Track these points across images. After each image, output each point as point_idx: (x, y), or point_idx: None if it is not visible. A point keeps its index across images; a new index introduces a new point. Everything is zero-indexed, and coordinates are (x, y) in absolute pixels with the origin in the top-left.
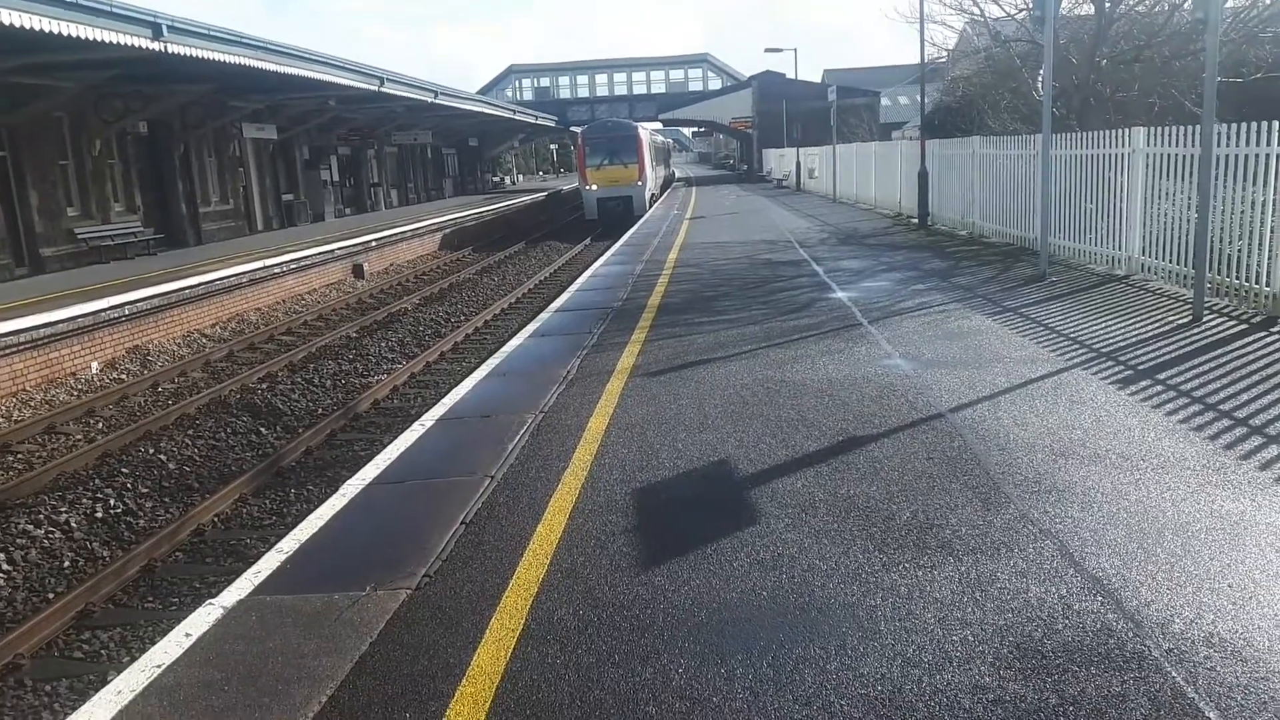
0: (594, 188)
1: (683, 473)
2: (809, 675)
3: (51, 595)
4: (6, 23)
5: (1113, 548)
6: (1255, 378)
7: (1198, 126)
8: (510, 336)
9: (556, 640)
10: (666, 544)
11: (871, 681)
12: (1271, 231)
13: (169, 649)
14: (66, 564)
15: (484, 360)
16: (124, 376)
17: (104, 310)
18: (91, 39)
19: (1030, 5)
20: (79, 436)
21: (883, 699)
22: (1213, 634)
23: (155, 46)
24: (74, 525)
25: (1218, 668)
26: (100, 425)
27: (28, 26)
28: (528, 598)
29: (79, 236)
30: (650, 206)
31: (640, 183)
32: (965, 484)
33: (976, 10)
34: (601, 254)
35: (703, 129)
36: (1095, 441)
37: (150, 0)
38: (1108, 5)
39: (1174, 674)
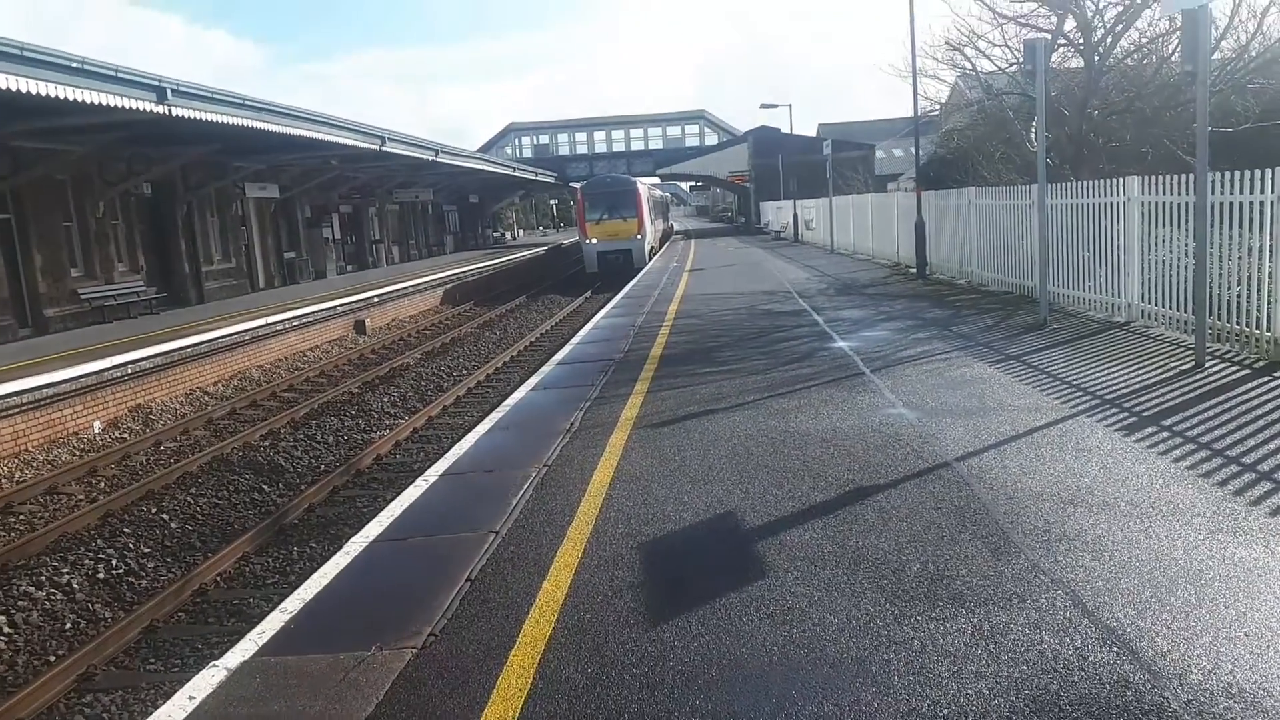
0: (594, 241)
1: (689, 525)
2: None
3: (53, 658)
4: (13, 89)
5: (1126, 597)
6: (1261, 423)
7: (1191, 175)
8: (513, 390)
9: (565, 700)
10: (674, 599)
11: None
12: (1269, 277)
13: (173, 713)
14: (68, 626)
15: (487, 414)
16: (126, 435)
17: (106, 370)
18: (97, 103)
19: (1020, 59)
20: (81, 496)
21: None
22: (1231, 684)
23: (160, 110)
24: (75, 586)
25: (1239, 718)
26: (102, 485)
27: (34, 92)
28: (534, 656)
29: (82, 297)
30: (650, 259)
31: (639, 236)
32: (974, 534)
33: (968, 64)
34: (602, 306)
35: (700, 183)
36: (1104, 489)
37: (151, 64)
38: (1097, 58)
39: None
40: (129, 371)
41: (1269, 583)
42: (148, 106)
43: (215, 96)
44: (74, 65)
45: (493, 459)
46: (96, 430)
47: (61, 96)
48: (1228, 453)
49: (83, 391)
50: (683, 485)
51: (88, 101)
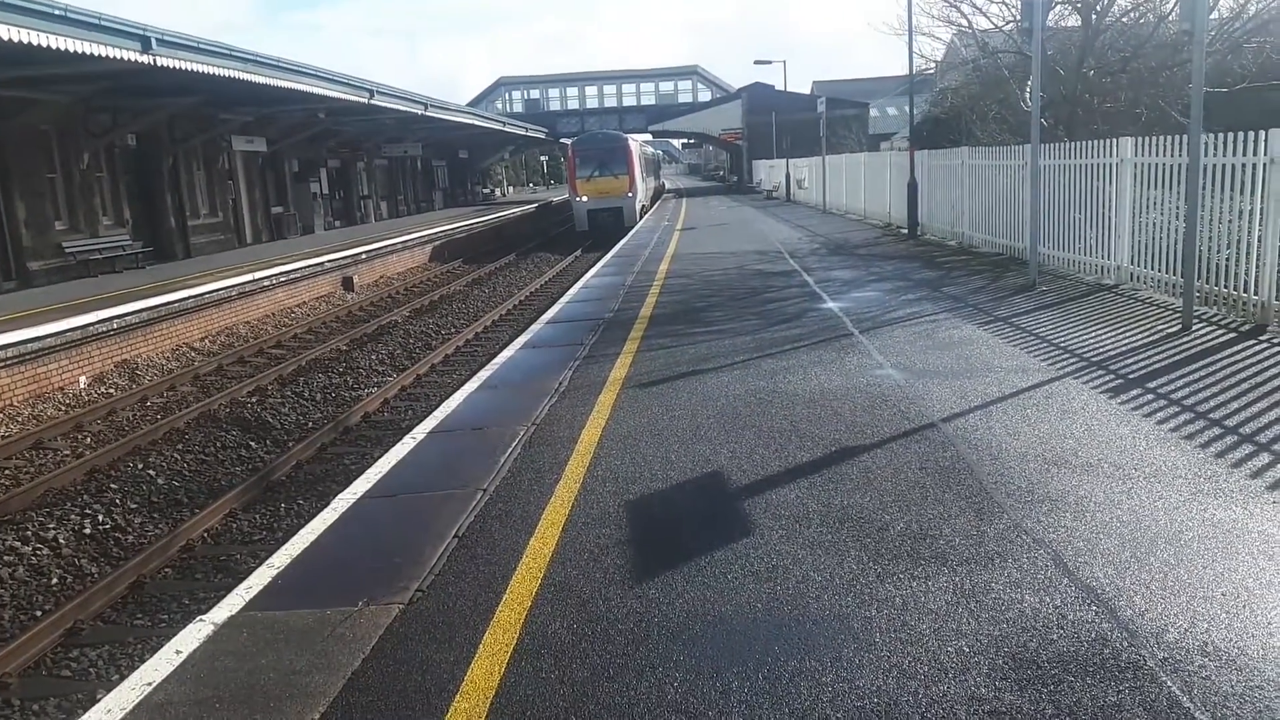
0: (584, 199)
1: (676, 484)
2: (805, 688)
3: (39, 613)
4: None
5: (1106, 557)
6: (1245, 386)
7: (1185, 136)
8: (501, 349)
9: (551, 654)
10: (660, 556)
11: (867, 694)
12: (1259, 240)
13: (159, 667)
14: (55, 581)
15: (475, 372)
16: (112, 391)
17: (92, 324)
18: (81, 52)
19: (1017, 17)
20: (67, 452)
21: (879, 711)
22: (1207, 643)
23: (145, 59)
24: (62, 542)
25: (1213, 676)
26: (88, 440)
27: (16, 40)
28: (521, 612)
29: (67, 250)
30: (641, 218)
31: (630, 194)
32: (958, 494)
33: (964, 22)
34: (592, 265)
35: (693, 141)
36: (1087, 451)
37: (141, 13)
38: (1094, 17)
39: (1169, 683)
40: (115, 326)
41: (1247, 544)
42: (132, 56)
43: (201, 46)
44: (56, 13)
45: (481, 417)
46: (82, 385)
47: (44, 44)
48: (1211, 415)
49: (68, 346)
50: (670, 444)
51: (71, 50)
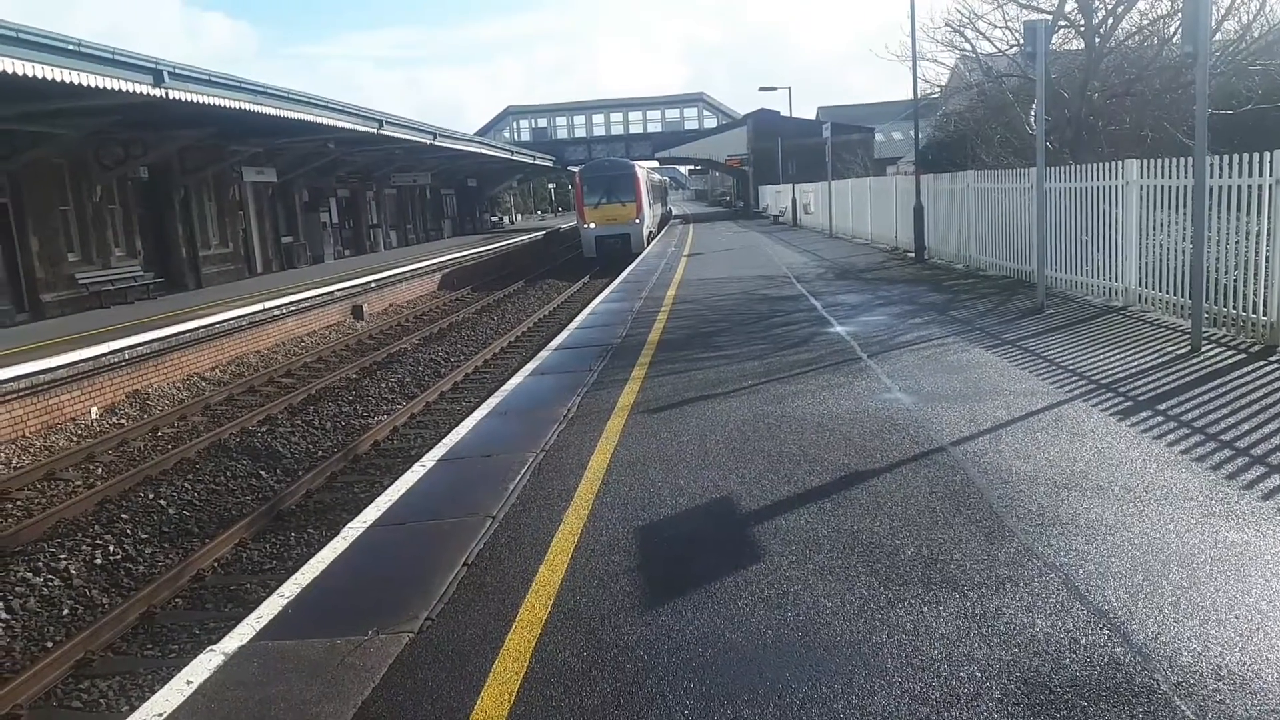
0: (592, 226)
1: (685, 510)
2: (816, 715)
3: (50, 644)
4: (9, 71)
5: (1118, 580)
6: (1255, 407)
7: (1190, 158)
8: (510, 375)
9: (561, 683)
10: (670, 583)
11: None
12: (1266, 261)
13: (170, 697)
14: (66, 612)
15: (484, 399)
16: (124, 421)
17: (104, 355)
18: (94, 86)
19: (1021, 41)
20: (78, 483)
21: None
22: (1221, 666)
23: (156, 93)
24: (73, 572)
25: (1227, 700)
26: (100, 471)
27: (31, 75)
28: (531, 640)
29: (79, 281)
30: (648, 244)
31: (638, 220)
32: (969, 518)
33: (968, 46)
34: (600, 291)
35: (699, 167)
36: (1098, 474)
37: (147, 47)
38: (1098, 40)
39: (1183, 707)
40: (126, 357)
41: (1260, 566)
42: (144, 89)
43: (212, 79)
44: (70, 48)
45: (490, 444)
46: (94, 416)
47: (58, 79)
48: (1221, 437)
49: (80, 377)
50: (679, 470)
51: (84, 84)
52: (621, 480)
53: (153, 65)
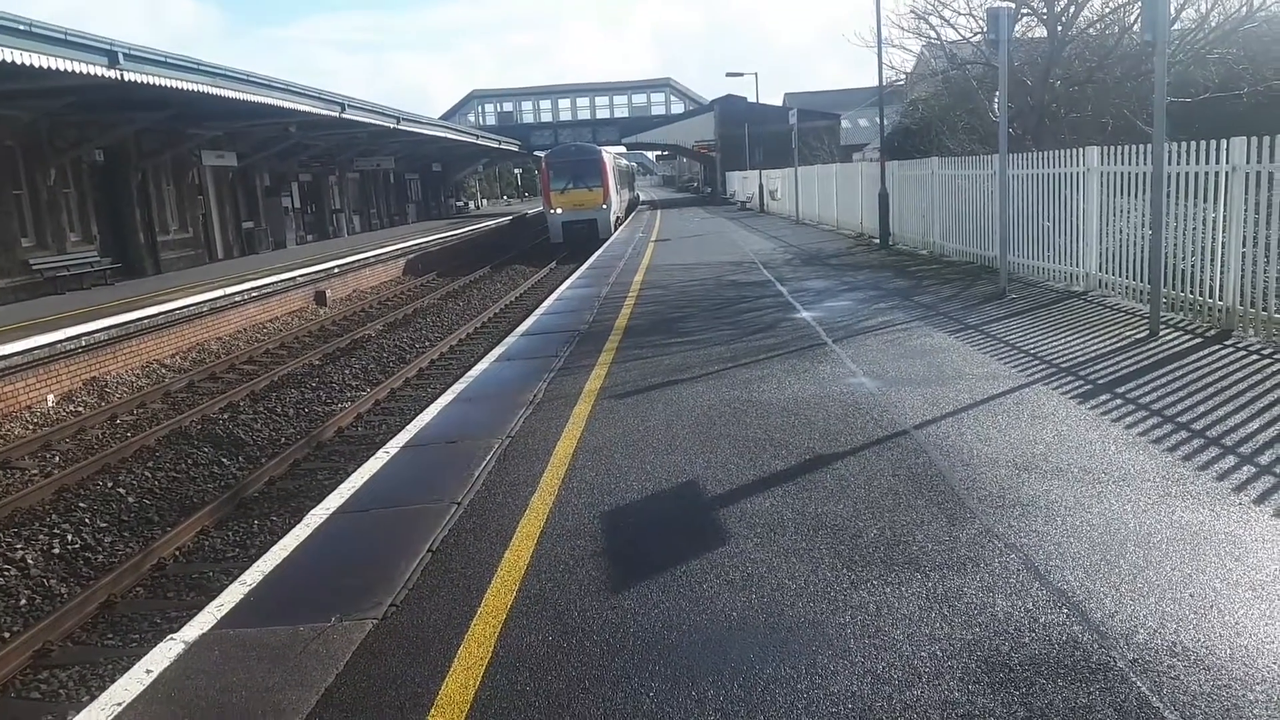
0: (559, 211)
1: (651, 495)
2: (780, 695)
3: (7, 634)
4: None
5: (1076, 560)
6: (1211, 390)
7: (1149, 145)
8: (476, 361)
9: (526, 667)
10: (636, 567)
11: (842, 700)
12: (1223, 246)
13: (130, 687)
14: (23, 602)
15: (449, 386)
16: (81, 409)
17: (60, 342)
18: (46, 67)
19: (985, 29)
20: (35, 471)
21: (854, 717)
22: (1176, 643)
23: (112, 75)
24: (30, 562)
25: (1181, 676)
26: (57, 459)
27: None
28: (496, 625)
29: (34, 267)
30: (615, 229)
31: (605, 206)
32: (931, 500)
33: (933, 34)
34: (567, 277)
35: (666, 152)
36: (1057, 456)
37: (108, 26)
38: (1060, 28)
39: (1139, 684)
40: (83, 344)
41: (1214, 545)
42: (99, 71)
43: (169, 61)
44: (21, 28)
45: (455, 430)
46: (50, 404)
47: (8, 60)
48: (1178, 419)
49: (36, 364)
50: (646, 455)
51: (36, 65)
52: (588, 465)
53: (107, 46)
